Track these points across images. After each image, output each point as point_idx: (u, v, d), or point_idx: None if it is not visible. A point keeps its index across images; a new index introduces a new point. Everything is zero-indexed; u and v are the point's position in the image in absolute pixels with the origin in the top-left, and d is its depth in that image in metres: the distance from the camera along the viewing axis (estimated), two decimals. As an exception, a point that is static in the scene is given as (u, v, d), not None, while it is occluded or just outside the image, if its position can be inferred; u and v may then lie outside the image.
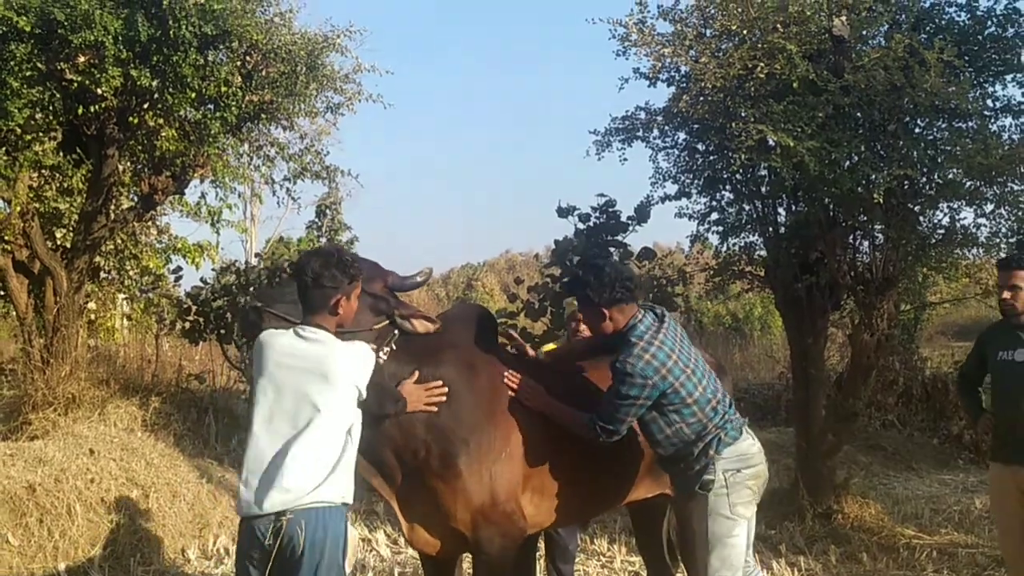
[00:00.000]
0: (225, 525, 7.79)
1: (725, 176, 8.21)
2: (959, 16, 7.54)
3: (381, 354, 4.00)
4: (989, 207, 7.31)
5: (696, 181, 8.45)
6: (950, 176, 7.01)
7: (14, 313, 14.87)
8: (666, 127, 8.24)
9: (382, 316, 4.11)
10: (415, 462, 4.08)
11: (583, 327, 5.74)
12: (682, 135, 8.30)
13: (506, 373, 4.30)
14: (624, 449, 4.42)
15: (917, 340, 17.19)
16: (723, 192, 8.49)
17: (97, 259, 13.13)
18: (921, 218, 7.66)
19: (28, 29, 7.66)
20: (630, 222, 10.32)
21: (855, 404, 7.92)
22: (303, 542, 3.40)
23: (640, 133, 8.32)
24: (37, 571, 6.30)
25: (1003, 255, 6.42)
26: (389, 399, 3.91)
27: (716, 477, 4.13)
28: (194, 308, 10.87)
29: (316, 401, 3.52)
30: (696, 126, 7.87)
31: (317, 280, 3.62)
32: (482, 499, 4.07)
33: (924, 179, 7.13)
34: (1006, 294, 4.93)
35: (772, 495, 8.62)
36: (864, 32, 7.15)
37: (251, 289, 10.55)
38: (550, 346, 6.04)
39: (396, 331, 4.11)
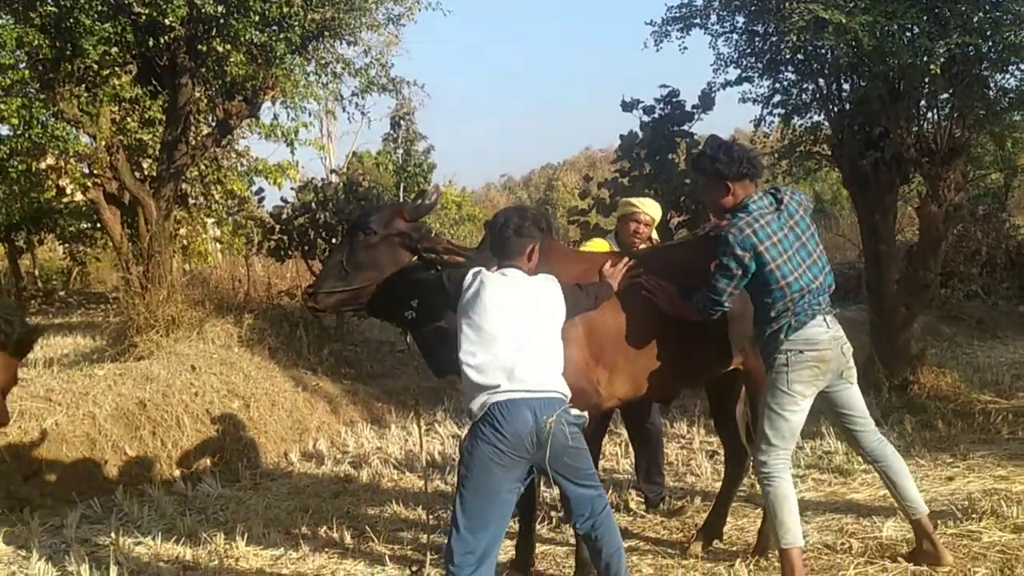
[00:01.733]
0: (323, 430, 8.28)
1: (786, 57, 8.13)
2: None
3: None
4: (1058, 66, 7.15)
5: (757, 64, 8.41)
6: (1015, 38, 6.84)
7: (111, 244, 15.66)
8: (723, 12, 8.19)
9: (408, 252, 4.52)
10: None
11: (640, 228, 5.88)
12: (740, 19, 8.26)
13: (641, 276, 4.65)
14: (692, 326, 4.62)
15: (1009, 208, 16.82)
16: (785, 73, 8.44)
17: (183, 186, 13.68)
18: (989, 83, 7.54)
19: (94, -34, 7.90)
20: (695, 111, 10.30)
21: (926, 276, 7.94)
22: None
23: (698, 20, 8.29)
24: (155, 479, 6.85)
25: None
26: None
27: (780, 357, 4.33)
28: (277, 227, 11.25)
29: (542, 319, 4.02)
30: (753, 8, 7.81)
31: (519, 231, 4.10)
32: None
33: (987, 44, 6.97)
34: None
35: (848, 371, 8.76)
36: None
37: (329, 204, 10.89)
38: (592, 244, 6.06)
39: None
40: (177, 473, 6.97)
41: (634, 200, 6.03)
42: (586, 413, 4.07)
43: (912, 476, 4.74)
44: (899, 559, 4.57)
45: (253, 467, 7.35)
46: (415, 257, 4.59)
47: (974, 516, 5.14)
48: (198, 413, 7.38)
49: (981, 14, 6.80)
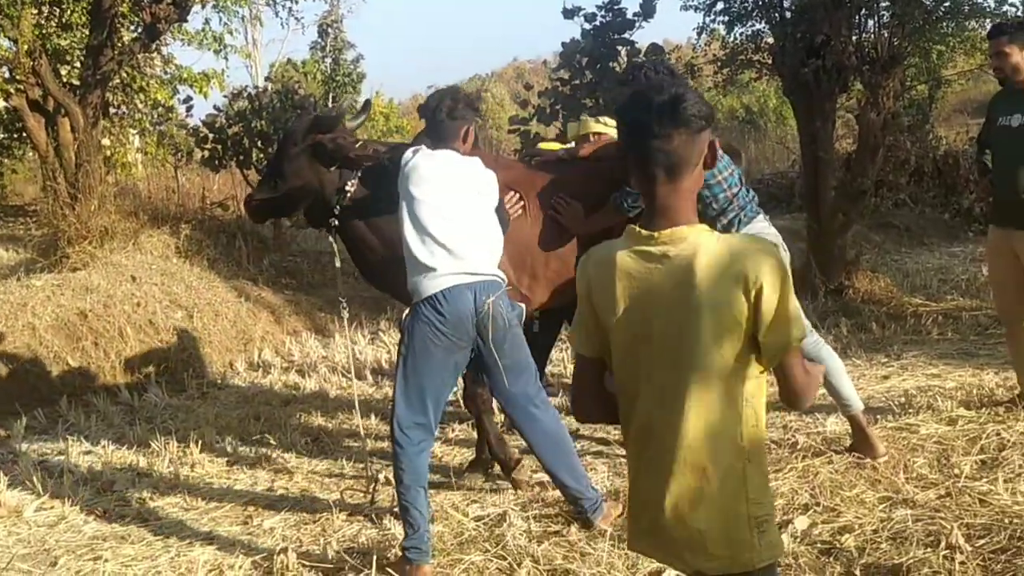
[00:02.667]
0: (267, 339, 8.24)
1: (729, -37, 8.14)
2: None
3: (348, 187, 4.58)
4: (995, -24, 7.25)
5: (700, -30, 8.38)
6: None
7: (31, 155, 15.08)
8: (667, -84, 8.10)
9: (327, 161, 4.63)
10: None
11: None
12: (684, -76, 8.17)
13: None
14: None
15: (933, 119, 17.17)
16: (727, -21, 8.43)
17: (106, 95, 13.20)
18: (927, -8, 7.63)
19: None
20: (636, 19, 10.24)
21: (863, 183, 8.11)
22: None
23: (641, -75, 8.19)
24: (99, 389, 6.76)
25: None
26: None
27: None
28: (211, 136, 10.99)
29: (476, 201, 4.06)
30: (698, -87, 7.74)
31: (451, 113, 4.08)
32: None
33: (929, -49, 7.05)
34: (994, 61, 5.04)
35: (785, 276, 8.97)
36: None
37: (264, 113, 10.66)
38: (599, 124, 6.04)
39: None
40: (122, 383, 6.89)
41: (605, 119, 6.01)
42: (523, 305, 4.13)
43: (849, 375, 4.91)
44: (843, 451, 4.75)
45: (199, 377, 7.30)
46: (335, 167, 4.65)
47: (911, 411, 5.36)
48: (141, 323, 7.28)
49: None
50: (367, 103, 5.77)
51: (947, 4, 7.59)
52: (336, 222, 4.68)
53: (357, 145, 4.71)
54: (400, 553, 3.78)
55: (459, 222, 3.89)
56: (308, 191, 4.68)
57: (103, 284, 7.51)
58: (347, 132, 4.81)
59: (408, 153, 4.10)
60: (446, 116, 4.08)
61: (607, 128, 5.88)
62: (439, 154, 4.04)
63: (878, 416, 5.32)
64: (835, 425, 5.19)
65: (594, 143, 5.34)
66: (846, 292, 8.26)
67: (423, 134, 4.38)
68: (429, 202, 3.90)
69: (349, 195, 4.61)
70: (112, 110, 15.47)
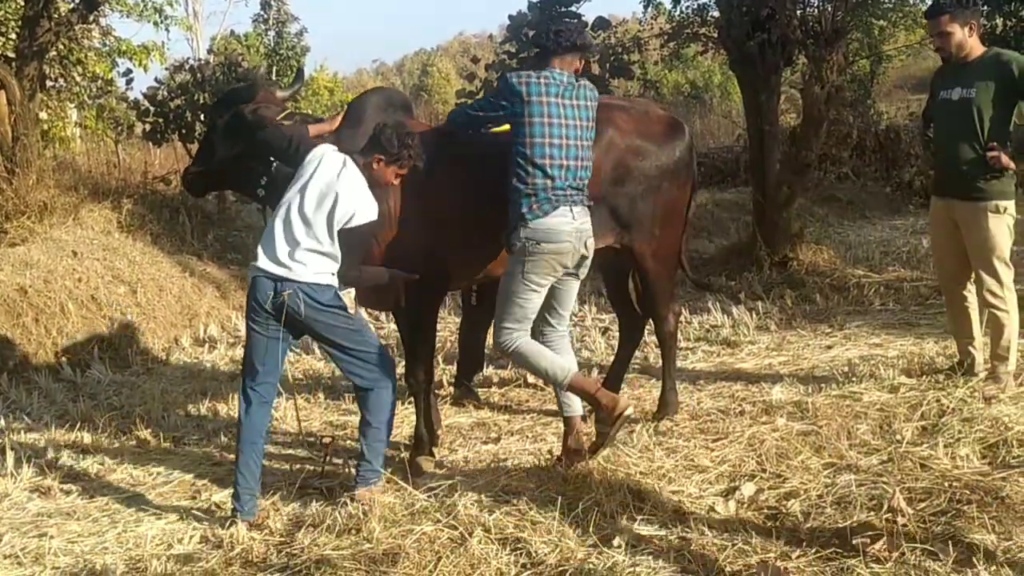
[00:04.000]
0: (212, 315, 8.14)
1: (676, -65, 8.16)
2: None
3: None
4: (937, -50, 7.32)
5: (647, -57, 8.38)
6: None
7: (-34, 128, 14.68)
8: None
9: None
10: None
11: None
12: None
13: None
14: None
15: (874, 95, 17.44)
16: (675, -47, 8.45)
17: (43, 68, 12.87)
18: (871, -34, 7.73)
19: None
20: (583, -9, 10.24)
21: (808, 156, 8.22)
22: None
23: None
24: (41, 366, 6.63)
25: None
26: None
27: (520, 242, 4.32)
28: (152, 110, 10.79)
29: (328, 208, 4.17)
30: None
31: (377, 137, 4.28)
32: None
33: (872, -75, 7.12)
34: (936, 41, 5.12)
35: (731, 249, 9.09)
36: None
37: (207, 86, 10.49)
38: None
39: None
40: (65, 360, 6.76)
41: None
42: (348, 294, 4.23)
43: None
44: (787, 419, 4.82)
45: (143, 353, 7.19)
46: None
47: (854, 379, 5.47)
48: (83, 299, 7.14)
49: None
50: (299, 72, 5.79)
51: (889, -21, 7.69)
52: (262, 192, 4.78)
53: (280, 116, 4.72)
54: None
55: (293, 223, 4.12)
56: (236, 162, 4.77)
57: (43, 259, 7.35)
58: (273, 102, 4.81)
59: (316, 151, 4.28)
60: (377, 136, 4.26)
61: None
62: (329, 160, 4.24)
63: (822, 385, 5.41)
64: (780, 394, 5.28)
65: None
66: (791, 264, 8.38)
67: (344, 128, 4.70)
68: (284, 199, 4.21)
69: (274, 165, 4.64)
70: (49, 83, 15.09)
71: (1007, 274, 5.02)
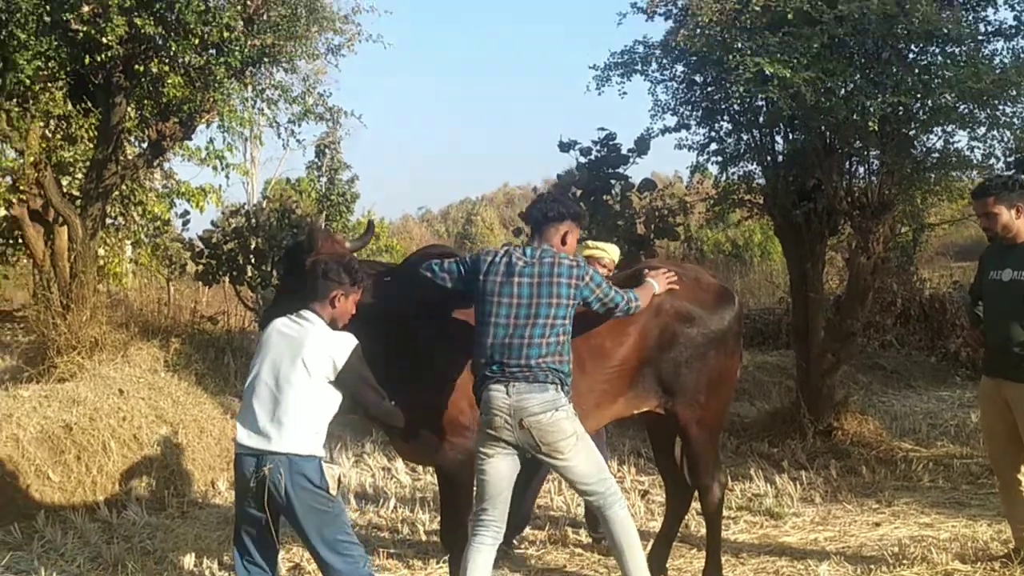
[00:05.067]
0: (250, 458, 8.11)
1: (723, 107, 8.38)
2: (951, -59, 7.64)
3: None
4: (982, 130, 7.49)
5: (695, 112, 8.62)
6: (943, 101, 7.15)
7: (24, 262, 15.10)
8: (664, 60, 8.37)
9: None
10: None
11: (602, 272, 5.98)
12: (680, 68, 8.44)
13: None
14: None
15: (916, 262, 17.46)
16: (721, 123, 8.67)
17: (106, 207, 13.33)
18: (916, 142, 7.89)
19: (34, -19, 7.72)
20: (631, 154, 10.50)
21: (853, 324, 8.20)
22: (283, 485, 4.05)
23: (639, 67, 8.44)
24: (78, 505, 6.63)
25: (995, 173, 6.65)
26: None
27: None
28: (206, 252, 11.07)
29: (299, 372, 4.11)
30: (694, 59, 8.00)
31: (326, 273, 4.25)
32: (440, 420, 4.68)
33: (918, 104, 7.29)
34: (982, 221, 5.17)
35: (774, 415, 8.98)
36: (857, -40, 7.26)
37: (261, 231, 10.78)
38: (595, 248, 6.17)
39: None
40: (102, 499, 6.75)
41: (600, 244, 6.20)
42: (331, 476, 4.14)
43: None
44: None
45: (180, 495, 7.18)
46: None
47: (905, 562, 5.30)
48: (125, 438, 7.18)
49: (913, 76, 7.09)
50: (370, 225, 5.90)
51: (936, 155, 7.82)
52: None
53: None
54: None
55: (267, 396, 4.08)
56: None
57: (90, 396, 7.44)
58: (340, 252, 4.88)
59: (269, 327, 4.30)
60: (320, 274, 4.27)
61: (601, 252, 6.07)
62: (284, 322, 4.24)
63: (871, 566, 5.25)
64: (828, 573, 5.13)
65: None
66: (835, 433, 8.25)
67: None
68: (252, 374, 4.17)
69: None
70: (109, 220, 15.62)
71: (1061, 460, 4.92)
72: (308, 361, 4.07)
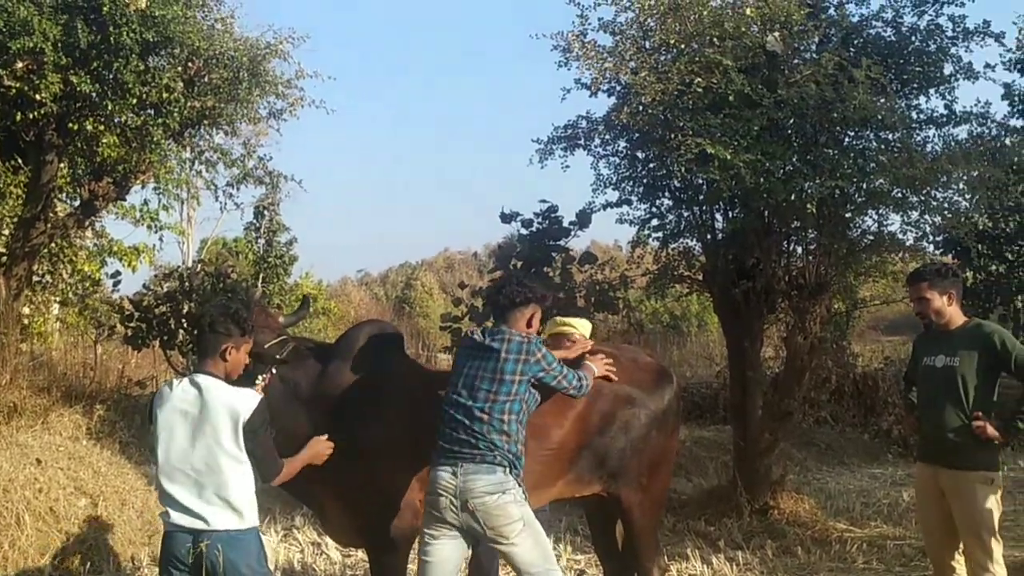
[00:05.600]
0: (173, 532, 7.82)
1: (664, 184, 8.45)
2: (885, 32, 7.87)
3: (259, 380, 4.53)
4: (915, 214, 7.63)
5: (636, 188, 8.67)
6: (878, 185, 7.28)
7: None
8: (607, 136, 8.43)
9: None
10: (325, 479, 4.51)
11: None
12: (622, 143, 8.50)
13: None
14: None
15: (849, 337, 17.73)
16: (662, 199, 8.72)
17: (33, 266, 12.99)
18: (851, 225, 8.01)
19: (-35, 37, 7.56)
20: (572, 227, 10.53)
21: (790, 404, 8.23)
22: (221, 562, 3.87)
23: (582, 141, 8.51)
24: (-14, 582, 6.30)
25: (928, 258, 6.75)
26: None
27: None
28: (136, 315, 10.81)
29: (210, 441, 3.95)
30: (636, 136, 8.07)
31: (212, 327, 4.07)
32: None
33: (854, 188, 7.41)
34: (916, 306, 5.23)
35: (711, 492, 8.93)
36: (796, 47, 7.43)
37: (194, 295, 10.56)
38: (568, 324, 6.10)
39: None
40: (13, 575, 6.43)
41: (570, 320, 6.07)
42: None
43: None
44: None
45: (97, 571, 6.85)
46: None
47: (840, 648, 5.24)
48: (41, 511, 6.86)
49: (849, 161, 7.22)
50: (305, 301, 5.80)
51: (870, 237, 7.95)
52: None
53: (273, 342, 4.66)
54: None
55: (179, 471, 3.94)
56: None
57: (5, 466, 7.10)
58: (271, 327, 4.77)
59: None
60: (208, 327, 4.10)
61: (570, 328, 5.93)
62: (172, 389, 4.06)
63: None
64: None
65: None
66: (771, 512, 8.22)
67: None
68: (158, 452, 3.98)
69: (259, 387, 4.52)
70: (35, 278, 15.22)
71: (997, 549, 4.91)
72: (216, 430, 3.91)
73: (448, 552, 4.27)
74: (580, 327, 6.02)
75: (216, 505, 3.89)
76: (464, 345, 4.54)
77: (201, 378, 4.02)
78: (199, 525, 3.87)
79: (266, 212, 24.27)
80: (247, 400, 3.99)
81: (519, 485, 4.26)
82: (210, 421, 3.92)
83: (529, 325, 4.56)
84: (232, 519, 3.90)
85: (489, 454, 4.22)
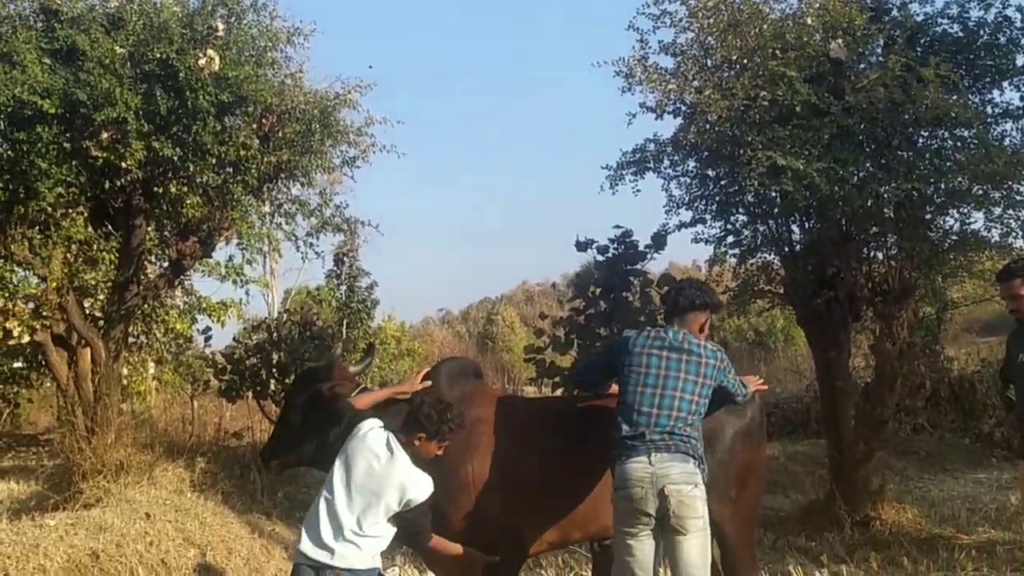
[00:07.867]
0: (279, 577, 8.00)
1: (737, 200, 8.41)
2: (952, 28, 7.76)
3: None
4: (997, 210, 7.49)
5: (709, 206, 8.67)
6: (956, 184, 7.19)
7: (48, 384, 15.15)
8: (676, 157, 8.47)
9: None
10: None
11: None
12: (692, 163, 8.53)
13: None
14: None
15: (942, 341, 17.31)
16: (737, 215, 8.70)
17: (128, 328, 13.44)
18: (932, 226, 7.89)
19: (53, 111, 7.91)
20: (648, 251, 10.50)
21: (883, 412, 8.09)
22: None
23: (651, 164, 8.55)
24: (106, 635, 6.51)
25: (1017, 254, 6.62)
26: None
27: (612, 490, 4.47)
28: (228, 368, 11.10)
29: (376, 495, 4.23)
30: (705, 154, 8.09)
31: (416, 412, 4.38)
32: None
33: (931, 189, 7.31)
34: (1009, 304, 5.13)
35: (809, 507, 8.79)
36: (861, 52, 7.38)
37: (283, 344, 10.81)
38: None
39: None
40: (129, 629, 6.64)
41: None
42: None
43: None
44: None
45: (210, 619, 7.05)
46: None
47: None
48: (153, 563, 7.08)
49: (924, 161, 7.13)
50: (370, 348, 5.99)
51: (953, 237, 7.82)
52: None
53: (355, 392, 4.87)
54: None
55: (341, 511, 4.18)
56: (314, 439, 4.92)
57: (116, 522, 7.36)
58: (347, 378, 4.99)
59: (364, 425, 4.38)
60: (415, 410, 4.39)
61: None
62: (380, 436, 4.34)
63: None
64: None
65: None
66: (873, 524, 8.06)
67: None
68: (336, 481, 4.26)
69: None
70: (131, 339, 15.73)
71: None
72: (385, 491, 4.18)
73: (648, 549, 4.35)
74: None
75: (348, 546, 4.14)
76: (649, 338, 4.58)
77: (394, 443, 4.32)
78: (326, 559, 4.10)
79: (346, 259, 24.68)
80: (422, 488, 4.26)
81: (704, 481, 4.39)
82: (383, 483, 4.21)
83: (702, 330, 4.68)
84: (358, 561, 4.16)
85: (684, 445, 4.37)
